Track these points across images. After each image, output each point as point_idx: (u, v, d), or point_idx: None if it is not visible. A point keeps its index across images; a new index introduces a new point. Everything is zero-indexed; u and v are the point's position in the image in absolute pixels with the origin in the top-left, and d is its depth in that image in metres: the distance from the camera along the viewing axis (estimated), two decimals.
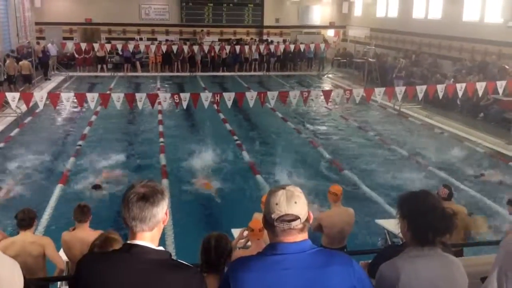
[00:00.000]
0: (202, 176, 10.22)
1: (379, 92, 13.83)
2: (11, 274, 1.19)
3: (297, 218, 1.97)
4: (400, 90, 14.30)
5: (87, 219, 5.16)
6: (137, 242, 1.95)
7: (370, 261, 3.46)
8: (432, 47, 21.77)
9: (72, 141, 13.02)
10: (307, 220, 2.03)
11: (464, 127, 14.58)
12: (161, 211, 1.98)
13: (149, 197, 1.94)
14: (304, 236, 2.03)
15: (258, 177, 10.27)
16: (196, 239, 3.63)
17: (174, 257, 2.09)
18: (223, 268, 3.21)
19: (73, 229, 5.25)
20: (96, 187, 9.39)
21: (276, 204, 1.98)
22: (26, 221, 4.85)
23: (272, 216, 1.98)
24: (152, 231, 1.98)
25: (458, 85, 13.95)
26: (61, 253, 5.47)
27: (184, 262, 2.04)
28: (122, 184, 9.52)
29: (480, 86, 13.73)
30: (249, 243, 5.49)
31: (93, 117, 15.14)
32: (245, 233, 4.67)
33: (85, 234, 5.06)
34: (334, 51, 28.91)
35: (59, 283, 5.47)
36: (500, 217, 8.45)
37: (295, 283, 1.93)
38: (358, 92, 13.85)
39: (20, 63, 18.89)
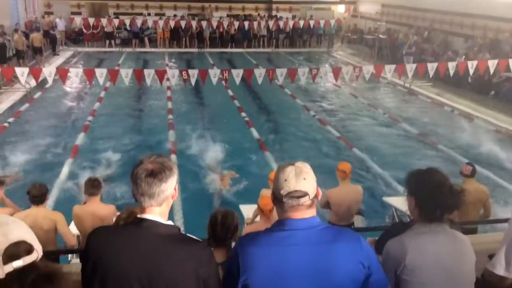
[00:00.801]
0: (210, 152, 10.24)
1: (389, 69, 13.70)
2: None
3: (305, 194, 1.98)
4: (410, 67, 14.14)
5: (98, 192, 5.22)
6: (147, 216, 1.97)
7: (377, 238, 3.48)
8: (443, 23, 21.40)
9: (82, 117, 13.07)
10: (315, 196, 2.03)
11: (475, 105, 14.43)
12: (170, 187, 1.99)
13: (158, 174, 1.94)
14: (312, 212, 2.03)
15: (267, 154, 10.28)
16: (204, 214, 3.66)
17: (182, 232, 2.11)
18: (230, 243, 3.26)
19: (84, 203, 5.31)
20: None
21: (285, 180, 1.98)
22: (38, 197, 4.92)
23: (281, 192, 1.98)
24: (161, 206, 1.99)
25: (469, 63, 13.77)
26: (72, 226, 5.56)
27: (193, 236, 2.06)
28: (131, 160, 9.58)
29: (492, 64, 13.54)
30: (257, 218, 5.55)
31: (103, 93, 15.15)
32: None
33: (96, 208, 5.13)
34: (345, 27, 28.52)
35: (69, 256, 5.56)
36: (509, 194, 8.44)
37: (303, 258, 1.95)
38: (368, 69, 13.71)
39: (32, 35, 19.00)
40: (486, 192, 5.98)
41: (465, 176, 5.87)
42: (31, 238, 1.20)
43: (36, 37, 19.03)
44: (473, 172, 5.95)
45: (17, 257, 1.14)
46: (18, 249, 1.16)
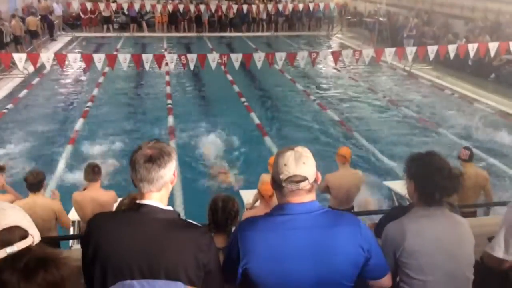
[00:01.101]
0: (209, 137, 10.24)
1: (389, 53, 13.62)
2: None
3: (305, 179, 1.97)
4: (410, 50, 14.06)
5: (98, 178, 5.22)
6: (146, 202, 1.97)
7: (376, 221, 3.49)
8: (444, 6, 21.21)
9: (81, 103, 13.03)
10: (315, 180, 2.03)
11: (475, 88, 14.38)
12: (169, 172, 1.98)
13: (156, 159, 1.94)
14: (312, 196, 2.03)
15: (266, 138, 10.28)
16: (204, 199, 3.67)
17: (183, 217, 2.11)
18: (231, 228, 3.27)
19: (84, 189, 5.32)
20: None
21: (285, 165, 1.98)
22: (35, 184, 4.92)
23: (281, 177, 1.98)
24: (160, 191, 1.99)
25: (470, 46, 13.68)
26: (72, 212, 5.58)
27: (193, 222, 2.06)
28: (130, 145, 9.58)
29: (493, 47, 13.45)
30: (257, 203, 5.57)
31: (101, 78, 15.09)
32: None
33: (97, 194, 5.15)
34: (344, 10, 28.26)
35: (70, 242, 5.59)
36: (509, 178, 8.47)
37: (302, 242, 1.95)
38: (368, 52, 13.63)
39: (27, 18, 18.85)
40: (485, 176, 5.97)
41: (463, 160, 5.86)
42: (27, 224, 1.19)
43: (32, 21, 18.89)
44: (471, 157, 5.93)
45: (10, 242, 1.14)
46: (12, 234, 1.16)
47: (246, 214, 4.79)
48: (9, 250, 1.13)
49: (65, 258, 1.16)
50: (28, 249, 1.16)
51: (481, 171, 6.09)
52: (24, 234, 1.17)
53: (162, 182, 1.96)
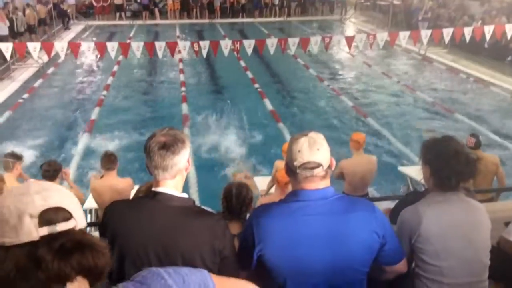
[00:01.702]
0: (223, 124, 10.25)
1: (403, 36, 13.42)
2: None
3: (319, 165, 1.96)
4: (425, 34, 13.83)
5: (114, 166, 5.28)
6: (161, 189, 1.99)
7: (392, 207, 3.47)
8: None
9: (96, 91, 13.13)
10: (329, 167, 2.02)
11: (491, 71, 14.14)
12: (183, 159, 1.99)
13: (170, 146, 1.95)
14: (326, 183, 2.03)
15: (280, 125, 10.25)
16: (219, 186, 3.69)
17: (197, 205, 2.13)
18: (245, 215, 3.28)
19: (101, 177, 5.39)
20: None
21: (299, 151, 1.97)
22: (50, 172, 4.98)
23: (295, 163, 1.97)
24: (175, 178, 2.00)
25: (486, 28, 13.41)
26: (90, 199, 5.65)
27: (208, 209, 2.07)
28: (145, 133, 9.64)
29: (509, 28, 13.18)
30: (272, 190, 5.58)
31: (115, 67, 15.15)
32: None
33: (114, 181, 5.22)
34: None
35: (88, 229, 5.67)
36: None
37: (317, 229, 1.95)
38: (382, 36, 13.45)
39: (37, 7, 19.01)
40: (493, 161, 5.91)
41: (469, 148, 5.80)
42: (72, 208, 1.23)
43: (41, 9, 19.02)
44: (477, 144, 5.88)
45: (53, 222, 1.17)
46: (55, 215, 1.18)
47: (261, 201, 4.81)
48: (50, 229, 1.16)
49: (104, 248, 1.20)
50: (69, 231, 1.18)
51: (491, 157, 6.02)
52: (67, 217, 1.20)
53: (176, 169, 1.98)
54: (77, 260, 1.14)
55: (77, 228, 1.21)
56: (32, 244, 1.13)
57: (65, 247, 1.14)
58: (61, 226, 1.18)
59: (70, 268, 1.12)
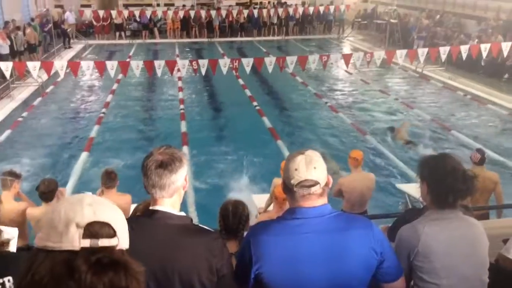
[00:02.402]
0: (222, 142, 10.27)
1: (400, 55, 13.54)
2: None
3: (316, 183, 1.98)
4: (422, 52, 13.96)
5: (114, 184, 5.27)
6: (158, 208, 1.99)
7: (390, 225, 3.47)
8: (456, 6, 21.05)
9: (95, 109, 13.16)
10: (326, 184, 2.03)
11: (488, 89, 14.23)
12: (180, 178, 2.00)
13: (168, 165, 1.95)
14: (323, 200, 2.03)
15: (279, 142, 10.27)
16: (217, 205, 3.69)
17: (195, 223, 2.13)
18: (242, 233, 3.27)
19: (101, 193, 5.37)
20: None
21: (296, 169, 1.98)
22: (46, 193, 4.93)
23: (292, 181, 1.98)
24: (172, 197, 2.01)
25: (482, 46, 13.55)
26: None
27: (205, 227, 2.07)
28: (144, 151, 9.63)
29: (506, 47, 13.31)
30: (270, 207, 5.57)
31: (115, 85, 15.22)
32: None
33: (113, 198, 5.19)
34: (355, 12, 28.21)
35: None
36: None
37: (315, 246, 1.96)
38: (379, 54, 13.57)
39: (27, 31, 18.18)
40: (493, 179, 5.91)
41: (474, 163, 5.80)
42: (119, 227, 1.26)
43: (30, 33, 18.07)
44: (482, 160, 5.86)
45: (97, 236, 1.20)
46: (101, 229, 1.21)
47: (259, 218, 4.80)
48: (92, 242, 1.18)
49: (139, 273, 1.22)
50: (109, 248, 1.20)
51: (491, 174, 6.02)
52: (111, 234, 1.22)
53: (174, 187, 1.98)
54: (110, 278, 1.15)
55: (118, 247, 1.23)
56: (71, 253, 1.16)
57: (101, 262, 1.16)
58: (103, 242, 1.20)
59: (102, 284, 1.14)
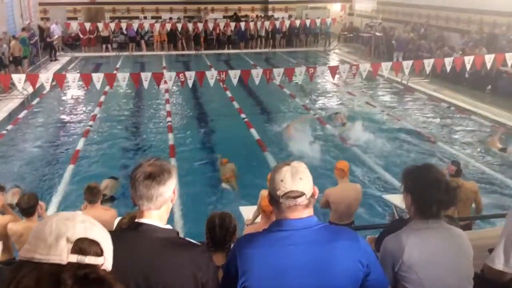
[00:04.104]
0: (210, 154, 10.26)
1: (386, 67, 13.70)
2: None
3: (302, 194, 1.98)
4: (407, 64, 14.14)
5: (97, 199, 5.23)
6: (145, 220, 1.97)
7: (377, 235, 3.49)
8: (439, 19, 21.41)
9: (82, 122, 13.08)
10: (312, 196, 2.04)
11: (472, 100, 14.44)
12: (169, 190, 1.99)
13: (156, 176, 1.94)
14: (309, 212, 2.04)
15: (267, 154, 10.28)
16: (205, 217, 3.67)
17: (182, 235, 2.12)
18: (230, 246, 3.26)
19: (85, 207, 5.33)
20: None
21: (281, 180, 1.99)
22: (27, 209, 4.86)
23: (277, 193, 1.99)
24: (160, 209, 1.99)
25: (466, 58, 13.77)
26: None
27: (192, 240, 2.06)
28: (131, 163, 9.58)
29: (489, 59, 13.54)
30: (258, 219, 5.56)
31: (102, 97, 15.13)
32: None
33: (97, 213, 5.15)
34: (341, 25, 28.54)
35: None
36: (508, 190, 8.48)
37: (301, 258, 1.96)
38: (365, 67, 13.72)
39: (11, 44, 17.81)
40: (473, 189, 6.02)
41: (450, 176, 5.89)
42: (106, 247, 1.29)
43: (15, 46, 17.80)
44: (458, 172, 5.98)
45: (85, 253, 1.23)
46: (89, 247, 1.24)
47: (247, 230, 4.79)
48: (80, 258, 1.22)
49: None
50: (94, 266, 1.23)
51: (471, 185, 6.14)
52: (98, 253, 1.26)
53: (161, 200, 1.97)
54: None
55: (103, 267, 1.26)
56: (58, 266, 1.19)
57: (88, 278, 1.19)
58: (90, 259, 1.23)
59: None
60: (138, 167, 1.99)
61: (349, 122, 12.45)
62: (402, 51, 19.80)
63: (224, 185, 8.80)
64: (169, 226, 2.01)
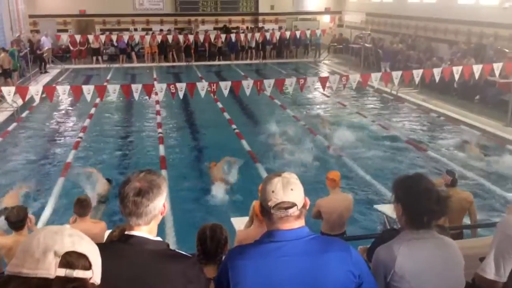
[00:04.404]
0: (201, 165, 10.23)
1: (375, 77, 13.80)
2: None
3: (293, 205, 1.98)
4: (396, 75, 14.27)
5: (87, 212, 5.19)
6: (135, 233, 1.96)
7: (369, 246, 3.49)
8: (428, 30, 21.67)
9: (72, 134, 13.00)
10: (303, 206, 2.04)
11: (461, 110, 14.59)
12: (158, 206, 1.96)
13: (145, 193, 1.91)
14: (301, 223, 2.04)
15: (258, 165, 10.28)
16: (196, 228, 3.65)
17: (174, 247, 2.10)
18: (221, 258, 3.23)
19: (74, 220, 5.28)
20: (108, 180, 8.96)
21: (273, 191, 1.99)
22: (16, 223, 4.79)
23: (269, 204, 1.99)
24: (150, 224, 1.97)
25: (454, 68, 13.92)
26: None
27: (182, 252, 2.05)
28: (122, 175, 9.52)
29: (477, 69, 13.71)
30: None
31: (93, 109, 15.07)
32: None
33: (87, 226, 5.10)
34: (330, 37, 28.79)
35: None
36: (499, 199, 8.53)
37: (292, 269, 1.95)
38: (355, 77, 13.81)
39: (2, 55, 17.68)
40: (468, 199, 6.00)
41: (446, 185, 5.89)
42: (94, 261, 1.28)
43: (4, 59, 17.61)
44: (453, 182, 5.94)
45: (73, 266, 1.22)
46: (77, 260, 1.23)
47: (238, 235, 4.80)
48: (68, 272, 1.21)
49: None
50: (82, 280, 1.22)
51: (466, 194, 6.11)
52: (87, 266, 1.25)
53: (151, 216, 1.95)
54: None
55: (92, 281, 1.26)
56: (46, 280, 1.18)
57: None
58: (78, 273, 1.22)
59: None
60: (127, 183, 1.96)
61: (340, 132, 12.52)
62: (389, 61, 20.03)
63: (217, 185, 8.83)
64: (159, 238, 2.00)
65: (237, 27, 29.11)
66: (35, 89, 12.50)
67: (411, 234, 2.39)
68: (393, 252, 2.34)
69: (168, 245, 2.03)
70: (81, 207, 5.15)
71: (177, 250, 2.06)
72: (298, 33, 26.05)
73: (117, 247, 1.98)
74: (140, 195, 1.91)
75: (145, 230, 1.97)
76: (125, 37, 24.76)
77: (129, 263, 1.89)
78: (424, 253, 2.35)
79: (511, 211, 4.50)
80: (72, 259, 1.22)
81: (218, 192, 8.89)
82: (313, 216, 5.94)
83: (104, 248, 2.12)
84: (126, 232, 1.98)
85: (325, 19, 31.44)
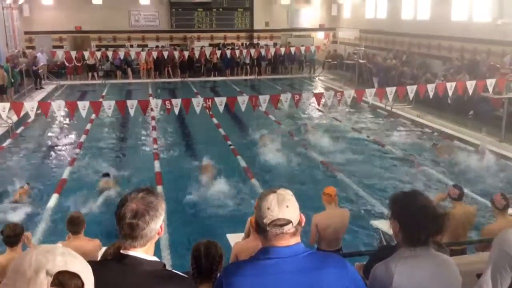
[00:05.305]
0: (196, 181, 10.19)
1: (370, 93, 13.88)
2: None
3: (289, 222, 1.97)
4: (390, 90, 14.35)
5: (81, 229, 5.13)
6: (130, 252, 1.93)
7: (365, 262, 3.47)
8: (421, 47, 21.89)
9: (68, 150, 12.96)
10: (299, 223, 2.03)
11: (454, 125, 14.67)
12: (155, 228, 1.93)
13: (141, 216, 1.88)
14: (296, 239, 2.03)
15: (253, 181, 10.25)
16: (192, 244, 3.62)
17: (169, 266, 2.08)
18: (216, 276, 3.19)
19: (69, 238, 5.22)
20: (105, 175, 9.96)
21: (268, 208, 1.98)
22: (12, 237, 4.73)
23: (264, 221, 1.98)
24: (146, 245, 1.95)
25: (448, 84, 14.02)
26: None
27: (178, 272, 2.01)
28: (118, 192, 9.45)
29: (470, 85, 13.81)
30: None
31: (88, 125, 15.05)
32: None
33: (81, 243, 5.05)
34: (325, 53, 29.02)
35: None
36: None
37: (289, 286, 1.94)
38: (349, 93, 13.89)
39: None
40: (474, 212, 6.02)
41: (452, 199, 5.88)
42: (87, 281, 1.27)
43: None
44: (461, 196, 5.91)
45: (65, 286, 1.20)
46: (70, 280, 1.21)
47: (235, 247, 4.78)
48: None
49: None
50: None
51: (472, 208, 6.12)
52: (79, 285, 1.23)
53: (147, 238, 1.92)
54: None
55: None
56: None
57: None
58: None
59: None
60: (124, 204, 1.92)
61: (335, 147, 12.54)
62: (378, 77, 20.22)
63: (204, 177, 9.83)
64: (155, 258, 1.97)
65: (232, 43, 29.31)
66: (30, 105, 12.47)
67: (408, 252, 2.38)
68: (390, 270, 2.33)
69: (164, 265, 1.99)
70: (73, 224, 5.10)
71: (173, 271, 2.03)
72: (292, 49, 26.26)
73: (112, 267, 1.94)
74: (136, 217, 1.88)
75: (141, 250, 1.94)
76: (121, 53, 24.86)
77: (124, 284, 1.86)
78: (421, 271, 2.34)
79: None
80: (65, 278, 1.20)
81: (214, 208, 8.85)
82: (312, 233, 5.86)
83: (97, 267, 2.10)
84: (121, 251, 1.95)
85: (320, 35, 31.74)
